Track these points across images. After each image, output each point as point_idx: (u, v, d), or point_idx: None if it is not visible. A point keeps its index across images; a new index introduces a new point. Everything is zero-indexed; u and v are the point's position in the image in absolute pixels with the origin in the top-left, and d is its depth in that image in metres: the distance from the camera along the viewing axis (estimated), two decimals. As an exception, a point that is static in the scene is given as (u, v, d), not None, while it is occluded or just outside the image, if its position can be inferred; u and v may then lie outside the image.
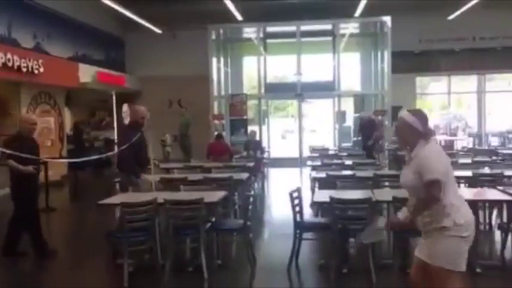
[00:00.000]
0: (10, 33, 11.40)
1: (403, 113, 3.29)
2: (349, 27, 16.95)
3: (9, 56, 10.34)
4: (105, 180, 13.09)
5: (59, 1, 13.01)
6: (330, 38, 17.02)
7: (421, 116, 3.25)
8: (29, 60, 11.04)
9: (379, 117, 14.53)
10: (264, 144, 15.15)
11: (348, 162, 8.99)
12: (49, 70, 11.75)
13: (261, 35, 16.96)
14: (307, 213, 7.06)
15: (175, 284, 5.10)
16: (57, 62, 12.78)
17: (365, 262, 4.92)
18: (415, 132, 3.20)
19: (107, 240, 5.82)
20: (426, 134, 3.21)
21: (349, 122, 17.09)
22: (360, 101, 16.31)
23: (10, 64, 10.37)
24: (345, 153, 11.42)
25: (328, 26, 16.83)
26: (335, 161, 9.45)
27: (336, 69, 16.34)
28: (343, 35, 16.60)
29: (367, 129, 12.75)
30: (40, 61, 11.45)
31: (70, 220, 7.75)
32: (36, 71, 11.26)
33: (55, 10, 13.18)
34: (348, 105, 17.19)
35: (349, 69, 18.07)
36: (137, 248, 5.36)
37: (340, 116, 16.42)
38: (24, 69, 10.86)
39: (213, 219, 5.63)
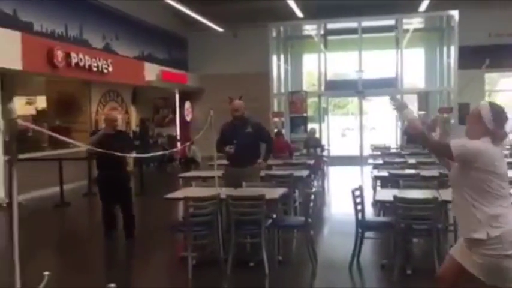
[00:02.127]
0: (82, 35, 12.02)
1: (482, 103, 3.04)
2: (414, 22, 16.45)
3: (81, 56, 10.92)
4: (168, 176, 13.56)
5: (126, 2, 13.54)
6: (392, 34, 16.61)
7: (498, 114, 2.95)
8: (99, 60, 11.61)
9: (445, 115, 14.03)
10: (324, 142, 15.04)
11: (412, 160, 8.76)
12: (117, 69, 12.29)
13: (322, 32, 16.83)
14: (368, 212, 6.96)
15: (237, 279, 5.19)
16: (124, 61, 13.32)
17: (430, 263, 4.79)
18: (482, 126, 2.93)
19: (171, 233, 6.03)
20: (494, 134, 2.92)
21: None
22: (424, 98, 15.81)
23: (82, 64, 10.96)
24: (407, 152, 11.12)
25: (391, 22, 16.43)
26: (397, 160, 9.24)
27: (398, 65, 15.93)
28: (407, 31, 16.14)
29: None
30: (109, 61, 12.00)
31: (136, 213, 8.08)
32: (105, 70, 11.82)
33: (122, 11, 13.73)
34: (411, 103, 16.72)
35: (412, 65, 17.56)
36: (200, 242, 5.52)
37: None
38: (95, 69, 11.43)
39: (274, 216, 5.68)
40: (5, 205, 9.42)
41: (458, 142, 2.91)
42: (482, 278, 2.85)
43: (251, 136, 6.34)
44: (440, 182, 6.39)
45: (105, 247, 6.83)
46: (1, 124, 9.74)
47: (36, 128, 6.19)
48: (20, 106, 13.23)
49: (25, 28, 9.91)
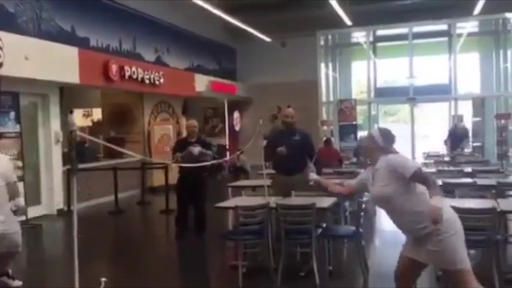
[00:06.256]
0: (135, 48, 12.45)
1: (373, 129, 3.70)
2: (467, 27, 15.96)
3: (134, 69, 11.30)
4: (218, 185, 13.70)
5: (176, 16, 13.89)
6: (445, 39, 16.18)
7: (386, 135, 3.62)
8: (151, 72, 11.97)
9: (502, 122, 13.47)
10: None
11: (468, 169, 8.45)
12: (168, 81, 12.62)
13: (371, 39, 16.63)
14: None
15: (287, 288, 5.17)
16: (175, 73, 13.66)
17: (488, 275, 4.59)
18: (377, 147, 3.58)
19: (221, 241, 6.09)
20: (386, 150, 3.55)
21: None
22: (480, 104, 15.26)
23: (135, 76, 11.34)
24: (463, 160, 10.75)
25: (443, 26, 16.01)
26: (452, 168, 8.94)
27: (452, 70, 15.48)
28: (460, 35, 15.67)
29: (455, 137, 13.13)
30: (161, 73, 12.34)
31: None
32: (157, 82, 12.16)
33: (173, 25, 14.10)
34: (466, 109, 16.16)
35: (467, 70, 17.00)
36: (250, 251, 5.54)
37: (457, 120, 15.51)
38: (147, 81, 11.79)
39: (324, 225, 5.62)
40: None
41: (411, 168, 3.38)
42: (447, 267, 3.39)
43: (299, 144, 6.32)
44: (499, 191, 6.15)
45: (157, 254, 6.99)
46: (60, 136, 10.21)
47: (94, 139, 6.44)
48: (78, 118, 13.80)
49: (82, 44, 10.37)
